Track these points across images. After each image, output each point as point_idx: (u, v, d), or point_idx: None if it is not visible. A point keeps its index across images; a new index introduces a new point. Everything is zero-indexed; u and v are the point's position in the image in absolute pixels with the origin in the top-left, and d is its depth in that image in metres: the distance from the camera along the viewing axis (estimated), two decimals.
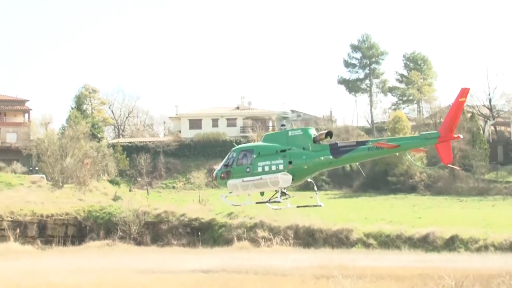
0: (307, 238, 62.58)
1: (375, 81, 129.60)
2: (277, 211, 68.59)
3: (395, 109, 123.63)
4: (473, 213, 72.42)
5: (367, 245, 58.67)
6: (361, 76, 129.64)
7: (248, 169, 34.56)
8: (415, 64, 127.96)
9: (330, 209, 73.29)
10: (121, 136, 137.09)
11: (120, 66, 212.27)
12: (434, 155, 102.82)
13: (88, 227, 70.50)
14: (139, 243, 67.61)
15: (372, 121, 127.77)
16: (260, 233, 63.46)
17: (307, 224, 63.14)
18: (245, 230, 64.46)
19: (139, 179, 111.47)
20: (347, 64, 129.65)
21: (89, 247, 65.39)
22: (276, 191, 34.42)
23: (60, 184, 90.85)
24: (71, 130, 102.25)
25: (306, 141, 33.72)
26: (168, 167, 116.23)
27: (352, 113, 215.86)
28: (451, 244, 55.97)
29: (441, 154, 32.05)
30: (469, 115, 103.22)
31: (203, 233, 67.04)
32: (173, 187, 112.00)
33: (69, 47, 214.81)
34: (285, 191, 34.88)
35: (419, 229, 59.07)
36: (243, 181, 34.66)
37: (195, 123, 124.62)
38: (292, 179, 33.59)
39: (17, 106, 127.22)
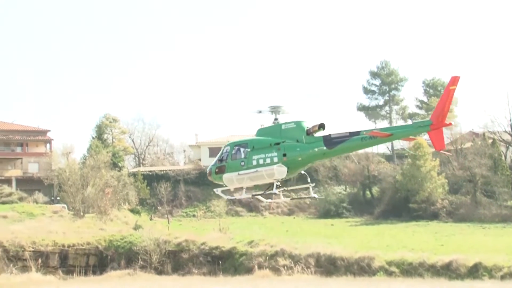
0: (329, 266, 62.26)
1: (395, 107, 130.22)
2: (296, 242, 68.75)
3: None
4: (497, 240, 71.60)
5: (389, 273, 58.31)
6: (381, 102, 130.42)
7: (242, 163, 34.40)
8: (435, 90, 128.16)
9: (351, 237, 73.04)
10: (141, 164, 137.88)
11: (140, 95, 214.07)
12: (456, 182, 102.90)
13: (109, 257, 70.72)
14: (160, 272, 67.72)
15: (392, 147, 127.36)
16: (281, 261, 63.32)
17: (328, 252, 62.85)
18: (266, 258, 64.37)
19: (159, 207, 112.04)
20: (367, 91, 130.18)
21: (110, 276, 65.56)
22: (271, 184, 34.72)
23: (81, 213, 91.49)
24: (92, 159, 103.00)
25: (299, 134, 33.60)
26: (189, 196, 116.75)
27: None
28: (475, 271, 55.50)
29: (433, 141, 31.76)
30: (490, 141, 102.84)
31: (224, 262, 67.00)
32: (194, 216, 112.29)
33: (90, 77, 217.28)
34: (279, 183, 35.11)
35: (442, 257, 58.60)
36: (238, 174, 34.40)
37: (214, 151, 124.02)
38: (287, 171, 33.61)
39: (39, 136, 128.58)
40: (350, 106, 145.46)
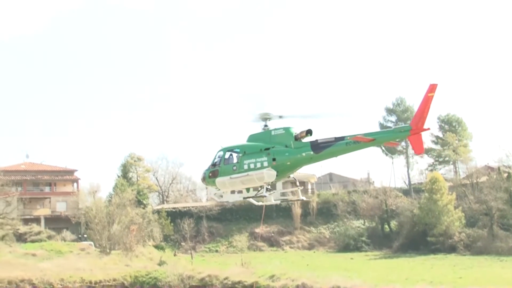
0: None
1: None
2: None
3: (431, 170, 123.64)
4: None
5: None
6: None
7: (234, 168, 35.43)
8: (450, 125, 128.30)
9: (370, 270, 72.78)
10: (165, 202, 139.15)
11: (163, 135, 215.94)
12: (472, 216, 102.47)
13: None
14: None
15: (409, 182, 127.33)
16: None
17: (349, 286, 62.70)
18: None
19: (183, 243, 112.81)
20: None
21: None
22: (261, 187, 35.05)
23: (108, 250, 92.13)
24: (117, 197, 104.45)
25: (288, 139, 34.74)
26: (211, 231, 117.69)
27: (389, 175, 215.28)
28: None
29: (413, 145, 33.36)
30: (505, 175, 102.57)
31: None
32: (216, 251, 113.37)
33: (114, 117, 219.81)
34: (269, 187, 35.67)
35: None
36: (230, 178, 35.33)
37: None
38: (277, 175, 34.56)
39: (66, 176, 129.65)
40: None
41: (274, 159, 34.35)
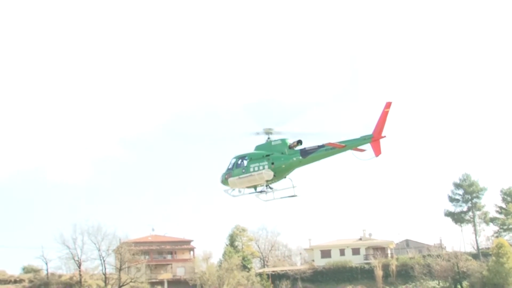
0: None
1: (477, 213, 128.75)
2: None
3: (497, 237, 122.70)
4: None
5: None
6: (465, 209, 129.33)
7: (243, 170, 40.78)
8: None
9: None
10: (265, 266, 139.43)
11: (263, 209, 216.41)
12: None
13: None
14: None
15: (477, 247, 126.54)
16: None
17: None
18: None
19: None
20: (451, 199, 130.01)
21: None
22: (262, 185, 40.55)
23: None
24: (226, 263, 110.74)
25: (283, 148, 40.37)
26: None
27: (459, 241, 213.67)
28: None
29: (373, 149, 37.90)
30: None
31: None
32: None
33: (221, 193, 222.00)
34: (271, 186, 40.78)
35: None
36: (239, 178, 40.72)
37: (325, 253, 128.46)
38: (274, 175, 39.93)
39: (184, 245, 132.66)
40: (438, 211, 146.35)
41: (272, 163, 39.97)
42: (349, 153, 39.61)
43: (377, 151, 37.81)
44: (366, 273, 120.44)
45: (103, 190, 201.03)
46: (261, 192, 40.47)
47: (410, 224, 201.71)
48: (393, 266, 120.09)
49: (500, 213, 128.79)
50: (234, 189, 41.45)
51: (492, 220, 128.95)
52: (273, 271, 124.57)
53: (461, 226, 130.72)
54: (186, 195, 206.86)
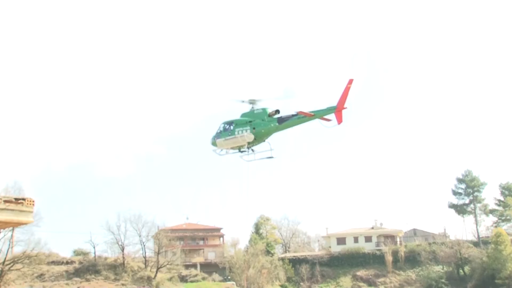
0: None
1: (478, 205, 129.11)
2: None
3: (496, 227, 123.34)
4: None
5: None
6: (467, 202, 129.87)
7: (229, 133, 42.10)
8: (509, 191, 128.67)
9: None
10: (287, 251, 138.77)
11: (286, 198, 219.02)
12: None
13: None
14: None
15: (478, 236, 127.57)
16: None
17: None
18: None
19: (301, 283, 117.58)
20: (455, 193, 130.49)
21: None
22: (244, 146, 42.72)
23: None
24: (252, 248, 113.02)
25: (264, 116, 41.64)
26: (323, 274, 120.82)
27: (461, 230, 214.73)
28: None
29: (337, 118, 39.15)
30: None
31: None
32: None
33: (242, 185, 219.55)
34: (252, 148, 42.10)
35: None
36: (225, 139, 42.05)
37: (341, 240, 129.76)
38: (255, 139, 41.30)
39: (215, 232, 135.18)
40: (443, 203, 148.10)
41: (254, 128, 41.11)
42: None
43: (339, 120, 39.24)
44: (377, 259, 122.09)
45: (143, 183, 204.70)
46: (243, 151, 42.10)
47: (418, 214, 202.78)
48: (402, 253, 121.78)
49: (499, 205, 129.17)
50: (221, 150, 43.19)
51: (492, 211, 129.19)
52: (294, 256, 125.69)
53: (463, 217, 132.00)
54: (217, 188, 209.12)
